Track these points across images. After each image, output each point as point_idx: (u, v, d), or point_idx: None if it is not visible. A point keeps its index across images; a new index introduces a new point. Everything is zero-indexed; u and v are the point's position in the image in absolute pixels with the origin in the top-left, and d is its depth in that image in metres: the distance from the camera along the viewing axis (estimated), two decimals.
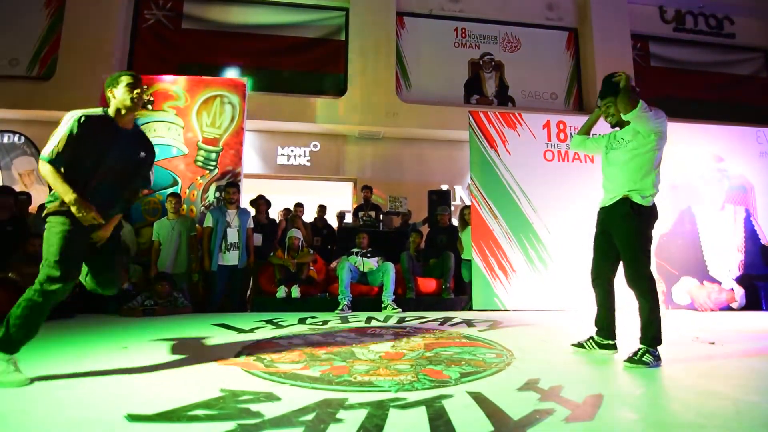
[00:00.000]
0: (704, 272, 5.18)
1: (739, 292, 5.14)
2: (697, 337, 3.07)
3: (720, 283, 5.15)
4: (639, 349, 2.28)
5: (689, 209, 5.33)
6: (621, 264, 2.47)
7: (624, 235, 2.39)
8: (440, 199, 6.31)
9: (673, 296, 5.08)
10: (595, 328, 2.59)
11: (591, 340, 2.59)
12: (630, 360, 2.26)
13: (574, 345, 2.63)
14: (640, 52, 9.11)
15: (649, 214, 2.40)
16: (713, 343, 2.85)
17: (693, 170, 5.41)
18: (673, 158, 5.39)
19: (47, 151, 1.96)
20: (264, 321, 3.75)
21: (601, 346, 2.54)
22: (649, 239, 2.40)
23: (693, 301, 5.07)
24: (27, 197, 5.05)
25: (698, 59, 9.34)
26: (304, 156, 8.07)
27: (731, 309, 5.06)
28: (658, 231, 5.18)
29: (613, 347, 2.54)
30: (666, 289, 5.08)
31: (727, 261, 5.22)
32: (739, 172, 5.47)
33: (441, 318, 4.02)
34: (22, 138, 6.31)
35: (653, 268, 5.20)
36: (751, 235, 5.34)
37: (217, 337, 3.05)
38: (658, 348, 2.28)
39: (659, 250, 5.16)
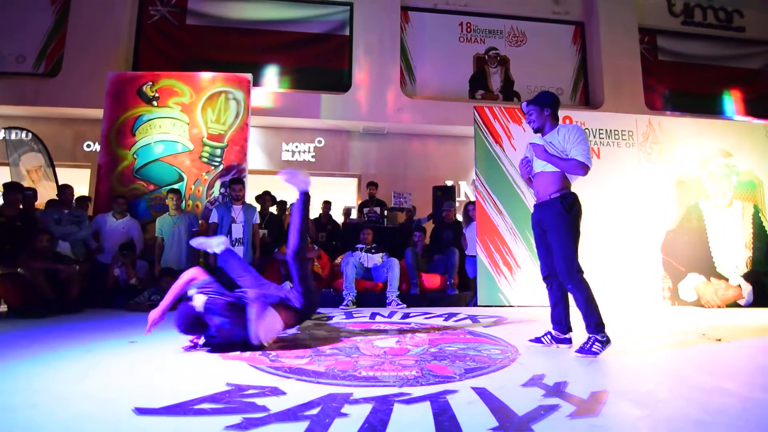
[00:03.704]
0: (711, 269, 5.13)
1: (747, 288, 5.09)
2: (704, 334, 3.06)
3: (727, 280, 5.11)
4: (588, 339, 2.38)
5: (696, 205, 5.28)
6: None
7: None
8: (445, 195, 6.29)
9: (680, 293, 5.04)
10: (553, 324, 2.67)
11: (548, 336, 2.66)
12: (581, 350, 2.37)
13: (531, 341, 2.68)
14: (648, 46, 9.00)
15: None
16: (720, 340, 2.83)
17: (701, 165, 5.35)
18: (681, 153, 5.34)
19: None
20: None
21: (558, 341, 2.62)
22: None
23: (699, 297, 5.04)
24: (33, 193, 5.10)
25: (707, 53, 9.20)
26: (309, 152, 8.08)
27: (738, 306, 5.02)
28: (665, 227, 5.16)
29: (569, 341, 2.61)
30: (672, 285, 5.05)
31: (735, 257, 5.18)
32: (747, 167, 5.41)
33: (445, 314, 4.03)
34: (30, 134, 6.35)
35: (660, 264, 5.17)
36: (759, 231, 5.29)
37: None
38: (605, 330, 2.37)
39: (666, 246, 5.12)
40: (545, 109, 2.60)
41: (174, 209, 4.87)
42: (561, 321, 2.60)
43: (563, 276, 2.44)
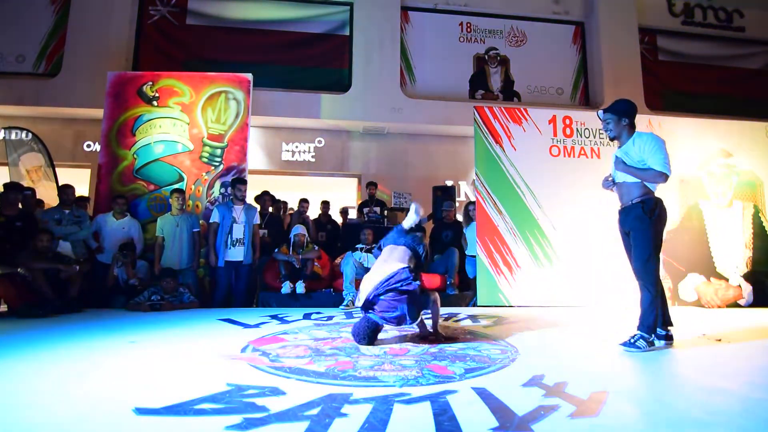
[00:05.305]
0: (711, 269, 5.13)
1: (747, 288, 5.09)
2: (704, 334, 3.06)
3: (727, 280, 5.10)
4: (635, 335, 2.47)
5: (697, 205, 5.28)
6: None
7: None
8: (445, 195, 6.28)
9: (680, 293, 5.04)
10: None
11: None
12: (626, 343, 2.45)
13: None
14: (648, 46, 8.99)
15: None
16: (720, 340, 2.83)
17: (701, 165, 5.35)
18: (681, 153, 5.34)
19: None
20: (269, 316, 3.78)
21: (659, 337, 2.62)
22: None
23: (700, 297, 5.03)
24: (32, 193, 5.10)
25: (707, 53, 9.19)
26: (309, 152, 8.07)
27: (738, 306, 5.02)
28: (665, 227, 5.15)
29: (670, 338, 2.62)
30: (672, 285, 5.05)
31: (735, 257, 5.17)
32: (747, 167, 5.41)
33: (445, 314, 4.02)
34: (29, 134, 6.35)
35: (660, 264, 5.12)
36: (760, 231, 5.28)
37: (222, 332, 3.07)
38: (653, 335, 2.48)
39: (666, 246, 5.11)
40: (623, 118, 2.67)
41: (178, 209, 4.87)
42: (662, 313, 2.61)
43: (636, 275, 2.54)
